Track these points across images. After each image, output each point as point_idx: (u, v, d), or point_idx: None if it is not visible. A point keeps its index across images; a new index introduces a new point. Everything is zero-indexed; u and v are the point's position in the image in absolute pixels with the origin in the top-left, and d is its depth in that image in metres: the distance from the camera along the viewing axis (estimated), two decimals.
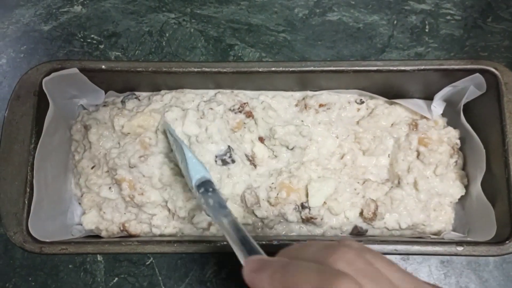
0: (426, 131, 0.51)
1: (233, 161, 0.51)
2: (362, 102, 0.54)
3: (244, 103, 0.53)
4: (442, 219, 0.51)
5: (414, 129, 0.52)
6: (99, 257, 0.54)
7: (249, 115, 0.53)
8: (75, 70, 0.48)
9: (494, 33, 0.60)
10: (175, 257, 0.54)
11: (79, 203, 0.53)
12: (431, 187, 0.50)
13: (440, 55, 0.60)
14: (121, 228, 0.51)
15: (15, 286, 0.53)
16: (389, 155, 0.53)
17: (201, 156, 0.51)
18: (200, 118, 0.52)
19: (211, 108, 0.52)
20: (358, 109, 0.54)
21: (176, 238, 0.48)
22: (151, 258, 0.54)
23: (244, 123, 0.53)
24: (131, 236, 0.51)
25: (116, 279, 0.53)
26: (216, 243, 0.45)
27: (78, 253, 0.45)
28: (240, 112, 0.52)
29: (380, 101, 0.54)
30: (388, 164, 0.53)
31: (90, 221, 0.51)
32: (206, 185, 0.41)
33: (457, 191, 0.51)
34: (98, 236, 0.51)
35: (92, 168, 0.52)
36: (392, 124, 0.53)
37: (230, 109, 0.52)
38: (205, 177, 0.42)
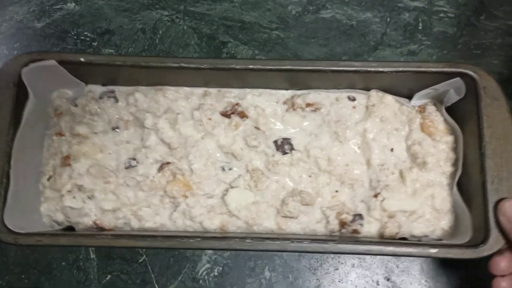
0: (433, 119, 0.51)
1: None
2: (354, 99, 0.53)
3: (236, 104, 0.52)
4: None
5: (422, 112, 0.52)
6: (92, 255, 0.54)
7: (243, 115, 0.52)
8: (53, 62, 0.48)
9: (487, 31, 0.60)
10: (168, 255, 0.54)
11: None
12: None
13: (433, 53, 0.60)
14: (95, 227, 0.50)
15: (8, 283, 0.53)
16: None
17: None
18: (199, 125, 0.52)
19: (210, 119, 0.52)
20: (354, 107, 0.53)
21: (165, 233, 0.47)
22: (144, 256, 0.54)
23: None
24: (105, 230, 0.50)
25: (109, 276, 0.53)
26: (211, 239, 0.44)
27: (53, 245, 0.44)
28: (233, 113, 0.52)
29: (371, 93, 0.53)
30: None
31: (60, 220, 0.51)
32: None
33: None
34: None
35: (48, 179, 0.51)
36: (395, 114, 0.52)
37: (221, 113, 0.52)
38: None
